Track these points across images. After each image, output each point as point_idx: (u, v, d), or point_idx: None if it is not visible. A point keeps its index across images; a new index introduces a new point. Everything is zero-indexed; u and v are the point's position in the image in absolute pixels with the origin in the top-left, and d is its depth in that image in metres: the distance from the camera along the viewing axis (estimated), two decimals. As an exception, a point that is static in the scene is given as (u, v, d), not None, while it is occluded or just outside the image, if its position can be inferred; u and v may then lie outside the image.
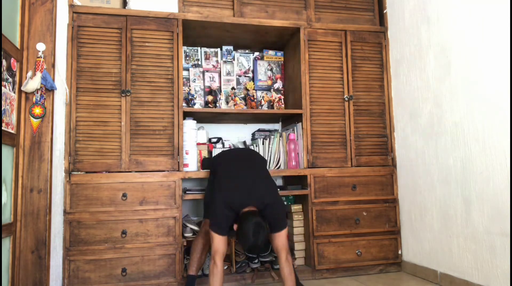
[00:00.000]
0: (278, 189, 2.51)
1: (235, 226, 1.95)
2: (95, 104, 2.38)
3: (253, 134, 3.03)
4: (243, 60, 3.12)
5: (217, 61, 3.06)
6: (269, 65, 3.13)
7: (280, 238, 2.01)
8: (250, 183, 2.04)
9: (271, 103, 2.96)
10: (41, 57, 2.11)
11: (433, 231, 2.42)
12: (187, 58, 3.02)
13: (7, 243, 1.87)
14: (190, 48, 3.02)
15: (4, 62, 1.81)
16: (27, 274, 2.00)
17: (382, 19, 2.95)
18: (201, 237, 2.18)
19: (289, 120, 2.99)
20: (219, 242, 1.95)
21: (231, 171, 2.15)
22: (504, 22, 1.92)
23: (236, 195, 1.98)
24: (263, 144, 2.77)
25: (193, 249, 2.20)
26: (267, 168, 2.40)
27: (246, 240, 1.86)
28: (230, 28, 2.74)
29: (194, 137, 2.62)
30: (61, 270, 2.23)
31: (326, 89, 2.75)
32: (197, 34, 2.80)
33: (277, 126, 3.22)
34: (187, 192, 2.55)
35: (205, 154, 2.73)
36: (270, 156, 2.76)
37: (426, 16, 2.48)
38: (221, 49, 3.08)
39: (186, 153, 2.54)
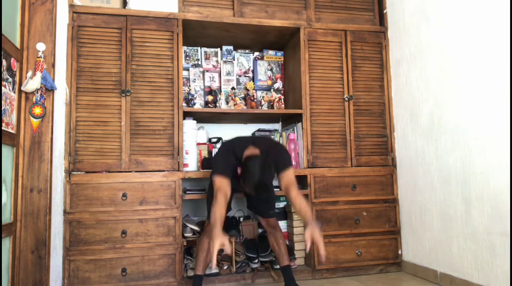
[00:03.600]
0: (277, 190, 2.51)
1: (239, 170, 1.95)
2: (95, 104, 2.38)
3: (253, 134, 3.03)
4: (243, 60, 3.12)
5: (217, 61, 3.06)
6: (269, 65, 3.13)
7: (288, 176, 1.98)
8: (254, 138, 2.20)
9: (271, 103, 2.96)
10: (41, 57, 2.11)
11: (433, 231, 2.42)
12: (187, 58, 3.01)
13: (7, 243, 1.88)
14: (190, 48, 3.02)
15: (4, 62, 1.81)
16: (27, 274, 2.00)
17: (382, 19, 2.95)
18: (206, 236, 2.14)
19: (289, 120, 2.98)
20: (221, 181, 1.91)
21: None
22: (504, 22, 1.92)
23: (239, 142, 2.10)
24: (263, 144, 2.77)
25: (198, 249, 2.17)
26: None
27: (252, 176, 1.84)
28: (230, 28, 2.74)
29: (194, 137, 2.62)
30: (61, 270, 2.23)
31: (326, 89, 2.75)
32: (197, 34, 2.80)
33: (277, 126, 3.22)
34: (187, 192, 2.56)
35: (205, 154, 2.73)
36: (270, 156, 2.76)
37: (426, 16, 2.48)
38: (221, 49, 3.08)
39: (186, 153, 2.54)
